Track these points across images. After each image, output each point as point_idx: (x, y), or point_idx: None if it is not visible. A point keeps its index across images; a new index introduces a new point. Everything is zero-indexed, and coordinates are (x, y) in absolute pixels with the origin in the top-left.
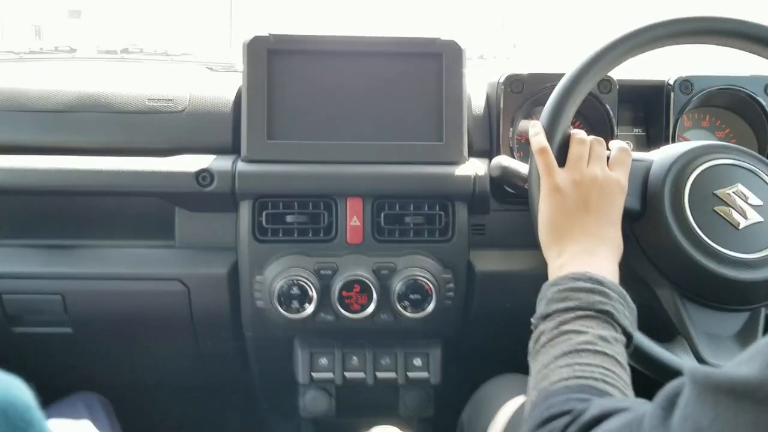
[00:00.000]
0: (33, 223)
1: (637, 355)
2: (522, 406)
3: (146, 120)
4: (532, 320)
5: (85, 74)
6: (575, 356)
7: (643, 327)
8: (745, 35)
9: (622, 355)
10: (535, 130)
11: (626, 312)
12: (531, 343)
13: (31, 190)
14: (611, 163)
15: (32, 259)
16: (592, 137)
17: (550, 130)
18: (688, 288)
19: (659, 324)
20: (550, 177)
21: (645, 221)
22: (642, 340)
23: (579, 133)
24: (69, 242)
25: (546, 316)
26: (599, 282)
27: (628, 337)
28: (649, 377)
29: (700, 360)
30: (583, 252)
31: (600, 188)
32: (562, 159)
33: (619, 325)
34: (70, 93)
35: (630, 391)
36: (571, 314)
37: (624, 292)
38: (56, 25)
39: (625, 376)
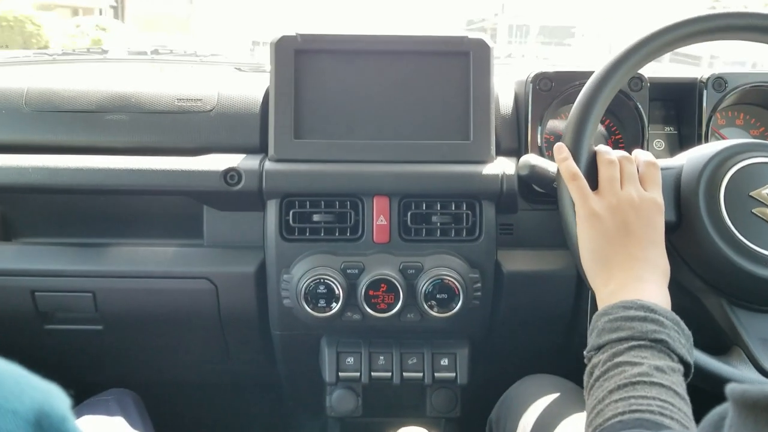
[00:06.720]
0: (65, 221)
1: (695, 371)
2: (551, 407)
3: (175, 120)
4: (585, 353)
5: (116, 75)
6: (630, 389)
7: (696, 341)
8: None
9: (680, 385)
10: (562, 155)
11: (682, 339)
12: (585, 377)
13: (63, 189)
14: (642, 180)
15: (64, 258)
16: (619, 153)
17: (575, 150)
18: (736, 294)
19: (711, 336)
20: (586, 203)
21: (683, 232)
22: (698, 355)
23: (606, 153)
24: (100, 241)
25: (598, 348)
26: (651, 309)
27: (686, 365)
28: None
29: (760, 368)
30: (632, 278)
31: (638, 210)
32: (592, 180)
33: (675, 353)
34: (102, 94)
35: (691, 423)
36: (625, 345)
37: (678, 318)
38: None
39: (685, 407)
